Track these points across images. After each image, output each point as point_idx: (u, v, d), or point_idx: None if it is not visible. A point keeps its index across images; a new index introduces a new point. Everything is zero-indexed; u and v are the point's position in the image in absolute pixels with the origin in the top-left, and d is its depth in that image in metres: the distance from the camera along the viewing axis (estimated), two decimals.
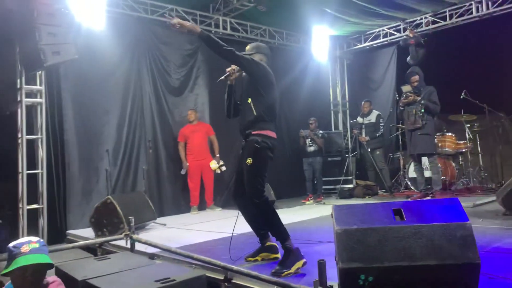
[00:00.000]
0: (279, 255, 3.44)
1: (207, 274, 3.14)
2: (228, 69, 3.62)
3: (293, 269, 3.03)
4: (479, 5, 7.72)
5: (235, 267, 2.96)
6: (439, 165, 6.66)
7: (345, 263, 2.31)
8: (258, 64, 3.48)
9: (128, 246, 4.19)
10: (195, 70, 7.70)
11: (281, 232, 3.31)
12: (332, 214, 2.57)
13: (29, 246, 2.08)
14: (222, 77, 3.66)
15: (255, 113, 3.38)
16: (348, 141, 9.94)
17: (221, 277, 3.11)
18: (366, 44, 9.73)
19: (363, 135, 8.20)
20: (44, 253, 2.14)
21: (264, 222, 3.45)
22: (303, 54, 9.23)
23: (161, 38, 7.31)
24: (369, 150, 8.01)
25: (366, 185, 8.02)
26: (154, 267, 3.40)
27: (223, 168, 7.15)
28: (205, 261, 3.23)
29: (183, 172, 7.03)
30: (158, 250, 3.97)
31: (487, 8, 7.63)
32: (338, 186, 8.17)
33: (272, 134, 3.47)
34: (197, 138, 7.10)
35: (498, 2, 7.49)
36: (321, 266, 2.36)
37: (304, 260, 3.14)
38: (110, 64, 6.61)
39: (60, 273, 3.30)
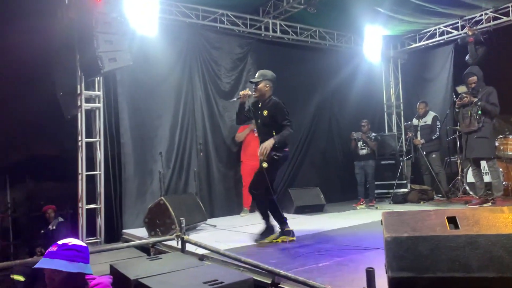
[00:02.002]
0: (295, 238, 4.53)
1: (254, 278, 3.16)
2: (241, 93, 4.52)
3: (281, 239, 4.43)
4: None
5: (282, 272, 2.94)
6: (501, 169, 6.26)
7: (395, 272, 2.23)
8: (284, 111, 4.44)
9: (179, 246, 4.29)
10: (245, 74, 7.77)
11: (278, 218, 4.55)
12: (381, 221, 2.49)
13: (51, 249, 1.97)
14: (235, 98, 4.79)
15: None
16: (403, 144, 9.62)
17: (269, 281, 3.11)
18: (422, 43, 9.37)
19: (418, 137, 7.87)
20: (59, 258, 1.93)
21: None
22: (355, 54, 9.05)
23: (212, 43, 7.45)
24: (424, 153, 7.69)
25: (421, 189, 7.70)
26: (203, 268, 3.46)
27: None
28: (252, 265, 3.23)
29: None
30: (207, 251, 4.03)
31: None
32: (391, 191, 7.90)
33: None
34: (255, 138, 7.15)
35: None
36: (370, 274, 2.29)
37: (294, 238, 4.47)
38: (163, 69, 6.82)
39: (114, 272, 3.45)
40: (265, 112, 4.40)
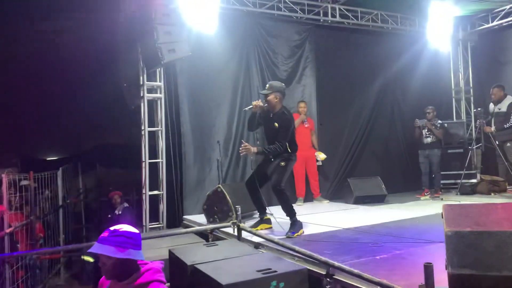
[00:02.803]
0: (271, 225, 4.95)
1: (309, 268, 3.12)
2: (254, 103, 4.77)
3: (299, 232, 4.56)
4: None
5: (336, 263, 2.88)
6: None
7: (456, 268, 2.10)
8: (288, 131, 4.73)
9: (236, 233, 4.35)
10: (303, 61, 7.65)
11: (290, 211, 4.73)
12: (442, 214, 2.35)
13: (103, 235, 2.02)
14: (247, 108, 4.95)
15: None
16: (472, 131, 9.02)
17: (323, 272, 3.05)
18: (495, 23, 8.66)
19: (492, 125, 7.27)
20: (109, 244, 1.97)
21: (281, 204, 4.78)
22: (419, 39, 8.54)
23: (269, 31, 7.39)
24: (497, 142, 7.12)
25: (493, 180, 7.19)
26: (258, 256, 3.48)
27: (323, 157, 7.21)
28: (306, 255, 3.20)
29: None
30: (263, 240, 4.04)
31: None
32: (459, 181, 7.47)
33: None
34: (305, 130, 7.09)
35: None
36: (428, 269, 2.17)
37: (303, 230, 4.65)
38: (220, 59, 6.88)
39: (172, 256, 3.57)
40: (276, 125, 4.69)
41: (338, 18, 7.85)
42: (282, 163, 4.68)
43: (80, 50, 5.83)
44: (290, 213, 4.71)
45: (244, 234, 4.33)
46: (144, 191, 6.10)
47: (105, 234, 2.01)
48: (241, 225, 4.29)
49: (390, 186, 7.35)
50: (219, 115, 6.86)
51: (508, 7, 8.27)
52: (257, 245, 4.07)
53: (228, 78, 6.98)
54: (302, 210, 6.36)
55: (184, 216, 6.30)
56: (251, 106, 4.78)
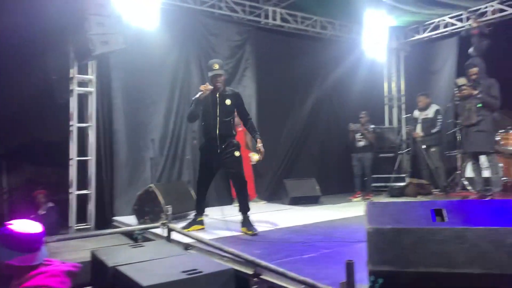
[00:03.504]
0: (204, 226, 4.80)
1: (238, 268, 3.06)
2: (202, 87, 4.47)
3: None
4: None
5: (263, 263, 2.84)
6: (501, 164, 6.12)
7: (375, 265, 2.12)
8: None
9: (165, 235, 4.20)
10: (243, 62, 7.63)
11: (247, 206, 4.63)
12: (364, 212, 2.38)
13: None
14: (197, 95, 4.49)
15: (233, 128, 4.67)
16: (403, 137, 9.46)
17: (251, 272, 3.01)
18: (425, 34, 9.18)
19: (418, 130, 7.71)
20: None
21: (241, 195, 4.66)
22: (356, 46, 8.84)
23: (210, 30, 7.30)
24: (424, 147, 7.53)
25: (419, 183, 7.56)
26: (185, 257, 3.36)
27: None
28: (234, 254, 3.14)
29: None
30: (192, 240, 3.93)
31: None
32: (389, 184, 7.79)
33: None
34: (238, 131, 7.03)
35: None
36: (350, 267, 2.18)
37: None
38: (159, 55, 6.68)
39: (94, 258, 3.37)
40: (228, 102, 4.51)
41: (278, 22, 7.92)
42: (237, 153, 4.56)
43: (4, 39, 5.40)
44: (248, 208, 4.63)
45: (175, 235, 4.20)
46: (71, 190, 5.77)
47: None
48: (171, 225, 4.15)
49: (324, 188, 7.51)
50: (155, 113, 6.65)
51: (437, 20, 8.78)
52: (186, 246, 3.95)
53: (166, 75, 6.79)
54: (237, 211, 6.32)
55: (114, 217, 6.02)
56: (201, 92, 4.45)
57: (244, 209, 4.60)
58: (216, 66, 4.55)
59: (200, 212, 4.85)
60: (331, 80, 8.67)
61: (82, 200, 5.90)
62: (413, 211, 2.28)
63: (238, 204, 6.78)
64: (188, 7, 6.98)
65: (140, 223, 5.15)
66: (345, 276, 2.21)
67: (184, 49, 7.00)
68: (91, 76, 6.01)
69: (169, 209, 4.18)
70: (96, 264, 3.35)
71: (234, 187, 4.84)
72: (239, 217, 5.48)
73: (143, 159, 6.46)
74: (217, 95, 4.52)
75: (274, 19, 7.85)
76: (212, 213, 6.03)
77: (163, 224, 4.20)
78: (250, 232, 4.39)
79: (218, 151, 4.51)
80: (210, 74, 4.55)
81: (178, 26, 6.93)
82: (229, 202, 7.01)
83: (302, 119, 8.28)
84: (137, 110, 6.50)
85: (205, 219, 5.25)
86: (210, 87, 4.47)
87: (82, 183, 5.90)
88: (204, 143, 4.74)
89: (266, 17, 7.81)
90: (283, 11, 7.91)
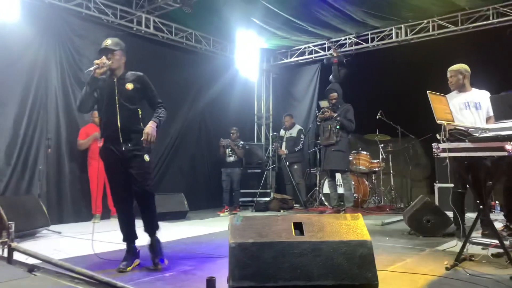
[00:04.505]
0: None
1: None
2: (96, 61, 3.46)
3: None
4: (399, 31, 8.11)
5: (119, 283, 2.59)
6: (352, 182, 6.74)
7: (236, 281, 2.08)
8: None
9: (6, 255, 3.64)
10: None
11: (156, 224, 3.70)
12: (228, 226, 2.33)
13: None
14: (91, 68, 3.46)
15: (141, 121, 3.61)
16: (269, 154, 9.89)
17: None
18: (292, 59, 9.81)
19: (283, 148, 8.17)
20: None
21: (149, 212, 3.65)
22: (230, 63, 9.07)
23: (75, 30, 6.73)
24: (287, 164, 7.98)
25: (283, 198, 7.95)
26: (31, 280, 2.95)
27: None
28: (87, 275, 2.82)
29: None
30: (39, 261, 3.46)
31: (406, 35, 8.04)
32: (255, 199, 8.02)
33: None
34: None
35: (416, 30, 7.90)
36: (210, 284, 2.10)
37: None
38: (12, 52, 5.91)
39: None
40: (129, 86, 3.54)
41: (152, 30, 7.67)
42: (147, 157, 3.51)
43: None
44: (156, 227, 3.67)
45: (18, 255, 3.65)
46: None
47: None
48: (13, 244, 3.61)
49: (194, 203, 7.40)
50: (2, 116, 5.83)
51: (303, 47, 9.46)
52: (31, 268, 3.46)
53: (20, 73, 6.03)
54: (97, 228, 5.82)
55: None
56: (95, 66, 3.40)
57: (153, 229, 3.65)
58: (108, 41, 3.58)
59: (129, 242, 3.68)
60: (204, 95, 8.69)
61: None
62: (276, 225, 2.31)
63: (97, 221, 6.32)
64: (51, 3, 6.35)
65: None
66: None
67: (43, 47, 6.32)
68: None
69: (12, 225, 3.64)
70: None
71: (138, 202, 3.59)
72: (97, 234, 5.04)
73: None
74: (114, 79, 3.57)
75: (147, 27, 7.59)
76: (69, 230, 5.48)
77: (3, 243, 3.64)
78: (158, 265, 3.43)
79: (123, 148, 3.47)
80: (98, 50, 3.58)
81: (39, 22, 6.25)
82: (89, 218, 6.45)
83: (173, 131, 8.09)
84: None
85: (59, 236, 4.72)
86: (107, 61, 3.47)
87: None
88: (103, 144, 3.59)
89: (139, 24, 7.50)
90: (157, 19, 7.70)
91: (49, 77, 6.37)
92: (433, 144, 3.12)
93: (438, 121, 3.09)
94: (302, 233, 2.28)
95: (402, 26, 8.03)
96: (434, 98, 3.23)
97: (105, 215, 6.61)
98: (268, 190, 8.38)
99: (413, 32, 7.97)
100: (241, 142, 7.89)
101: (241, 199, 8.01)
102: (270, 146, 9.98)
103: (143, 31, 7.59)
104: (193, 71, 8.44)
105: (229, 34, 8.48)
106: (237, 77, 9.19)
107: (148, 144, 3.45)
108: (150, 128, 3.44)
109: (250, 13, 7.45)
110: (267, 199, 7.99)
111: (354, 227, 2.33)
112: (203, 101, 8.72)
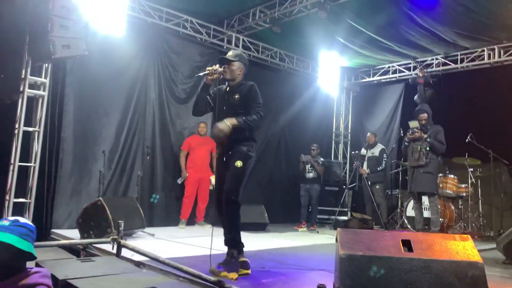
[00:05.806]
0: (250, 271, 3.48)
1: None
2: (209, 68, 3.63)
3: (232, 275, 3.24)
4: (491, 52, 7.77)
5: (227, 284, 2.79)
6: (439, 206, 6.52)
7: None
8: (261, 104, 3.66)
9: (114, 251, 4.01)
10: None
11: (237, 241, 3.65)
12: (336, 238, 2.43)
13: (1, 222, 1.81)
14: (201, 74, 3.67)
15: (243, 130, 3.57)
16: (347, 172, 9.83)
17: None
18: (375, 78, 9.74)
19: (365, 167, 8.07)
20: (12, 233, 1.76)
21: (228, 223, 3.66)
22: (311, 80, 9.23)
23: (172, 47, 7.28)
24: (369, 183, 7.87)
25: (362, 218, 7.82)
26: (141, 274, 3.25)
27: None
28: (195, 275, 3.05)
29: (179, 181, 6.85)
30: (145, 259, 3.78)
31: (499, 56, 7.68)
32: (332, 217, 8.00)
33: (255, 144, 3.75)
34: (203, 151, 6.97)
35: (510, 52, 7.54)
36: None
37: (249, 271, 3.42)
38: (118, 66, 6.52)
39: None
40: (237, 96, 3.59)
41: (241, 49, 8.05)
42: (238, 163, 3.47)
43: None
44: (235, 241, 3.58)
45: (124, 252, 4.01)
46: (8, 197, 5.34)
47: (4, 222, 1.79)
48: (122, 241, 3.97)
49: (270, 216, 7.54)
50: (107, 124, 6.42)
51: (386, 66, 9.37)
52: (138, 264, 3.78)
53: (123, 86, 6.63)
54: (184, 233, 6.18)
55: (53, 230, 5.65)
56: (206, 72, 3.58)
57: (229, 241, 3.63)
58: (229, 53, 3.74)
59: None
60: (285, 112, 8.91)
61: (20, 210, 5.48)
62: (384, 240, 2.37)
63: (183, 227, 6.69)
64: (153, 22, 6.93)
65: (83, 238, 4.87)
66: None
67: (144, 63, 6.90)
68: (44, 79, 5.70)
69: (121, 223, 4.02)
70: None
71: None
72: (187, 239, 5.33)
73: (89, 171, 6.18)
74: (227, 89, 3.68)
75: (237, 46, 7.98)
76: (160, 233, 5.86)
77: (114, 240, 4.02)
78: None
79: (224, 159, 3.59)
80: (218, 59, 3.74)
81: (141, 40, 6.84)
82: (175, 223, 6.85)
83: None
84: (88, 119, 6.25)
85: (153, 238, 5.06)
86: (219, 69, 3.58)
87: (22, 191, 5.49)
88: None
89: (229, 42, 7.92)
90: (246, 38, 8.08)
91: (148, 90, 6.91)
92: None
93: None
94: (410, 250, 2.32)
95: (495, 47, 7.70)
96: None
97: (190, 221, 6.98)
98: (346, 209, 8.33)
99: (507, 54, 7.61)
100: (321, 159, 7.95)
101: (318, 216, 8.03)
102: (348, 164, 9.92)
103: (232, 50, 7.98)
104: (276, 88, 8.69)
105: (312, 52, 8.66)
106: (317, 94, 9.32)
107: (218, 140, 3.44)
108: (221, 123, 3.40)
109: (334, 32, 7.56)
110: (345, 218, 7.93)
111: (464, 248, 2.33)
112: (283, 117, 8.94)
